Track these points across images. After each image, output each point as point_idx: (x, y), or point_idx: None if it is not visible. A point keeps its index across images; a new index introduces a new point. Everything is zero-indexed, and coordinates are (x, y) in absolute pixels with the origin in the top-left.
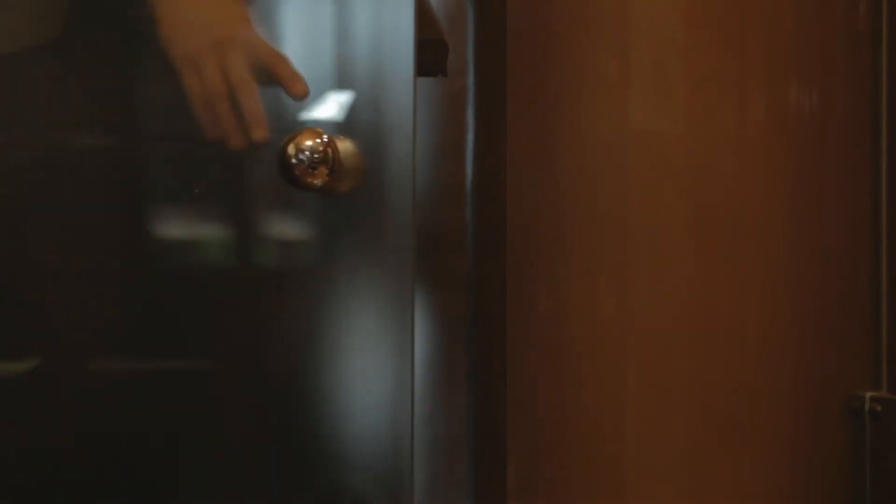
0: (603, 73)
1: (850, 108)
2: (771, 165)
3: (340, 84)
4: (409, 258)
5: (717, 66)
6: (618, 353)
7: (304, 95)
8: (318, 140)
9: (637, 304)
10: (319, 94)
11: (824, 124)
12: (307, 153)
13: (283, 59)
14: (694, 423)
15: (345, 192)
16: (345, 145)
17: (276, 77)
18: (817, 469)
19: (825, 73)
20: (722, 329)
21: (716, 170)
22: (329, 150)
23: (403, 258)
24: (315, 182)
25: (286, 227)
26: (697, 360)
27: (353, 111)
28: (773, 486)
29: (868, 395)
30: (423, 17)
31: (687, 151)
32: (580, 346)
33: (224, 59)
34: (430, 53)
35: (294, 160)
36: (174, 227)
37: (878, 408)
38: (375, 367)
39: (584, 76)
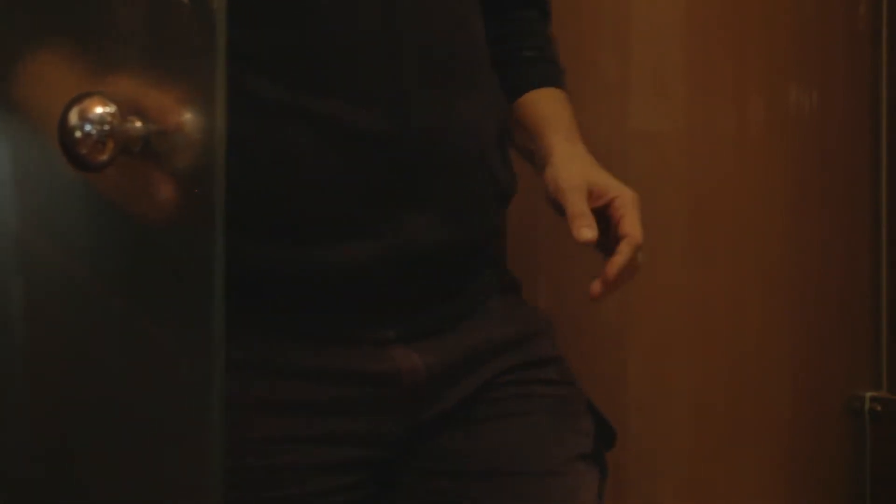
0: (603, 73)
1: (850, 108)
2: (771, 166)
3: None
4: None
5: (717, 66)
6: (618, 352)
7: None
8: (107, 108)
9: (637, 304)
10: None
11: (824, 124)
12: (94, 124)
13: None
14: (694, 422)
15: (151, 174)
16: (157, 117)
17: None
18: (817, 469)
19: (825, 73)
20: (722, 329)
21: (715, 170)
22: (117, 121)
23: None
24: (101, 158)
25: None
26: (697, 359)
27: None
28: (773, 485)
29: (868, 395)
30: None
31: (687, 151)
32: (580, 345)
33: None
34: None
35: (78, 133)
36: None
37: (878, 408)
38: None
39: (584, 76)
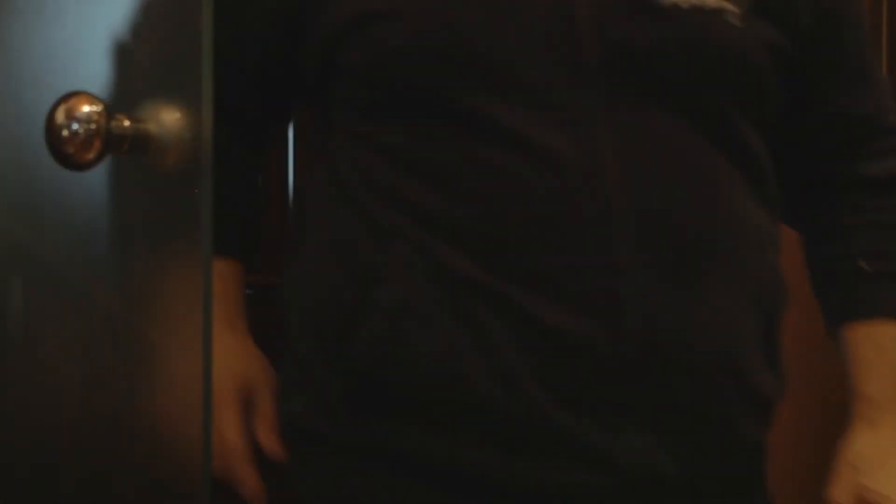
0: None
1: None
2: None
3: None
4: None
5: None
6: None
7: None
8: (94, 107)
9: None
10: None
11: None
12: (82, 123)
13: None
14: None
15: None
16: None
17: None
18: (817, 468)
19: None
20: None
21: None
22: (104, 120)
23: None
24: (88, 157)
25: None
26: None
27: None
28: (772, 485)
29: None
30: None
31: None
32: None
33: None
34: None
35: (66, 132)
36: None
37: None
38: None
39: None
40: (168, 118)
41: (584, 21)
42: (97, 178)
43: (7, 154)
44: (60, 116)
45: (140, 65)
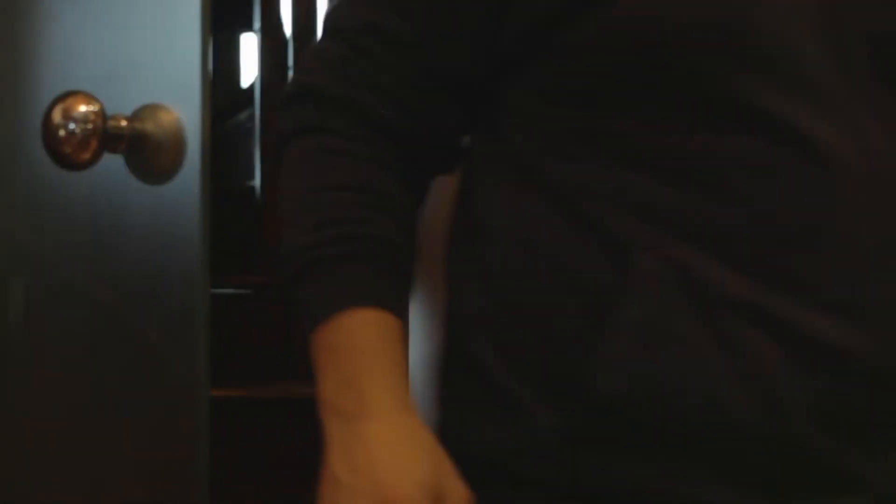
0: None
1: None
2: None
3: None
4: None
5: None
6: None
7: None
8: (91, 107)
9: None
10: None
11: None
12: (78, 123)
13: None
14: None
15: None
16: (149, 115)
17: None
18: None
19: None
20: None
21: None
22: (101, 120)
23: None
24: (85, 157)
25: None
26: None
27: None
28: None
29: None
30: None
31: None
32: None
33: None
34: None
35: (62, 131)
36: None
37: None
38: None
39: None
40: (165, 118)
41: (843, 10)
42: (97, 178)
43: (7, 154)
44: (57, 116)
45: (138, 65)
